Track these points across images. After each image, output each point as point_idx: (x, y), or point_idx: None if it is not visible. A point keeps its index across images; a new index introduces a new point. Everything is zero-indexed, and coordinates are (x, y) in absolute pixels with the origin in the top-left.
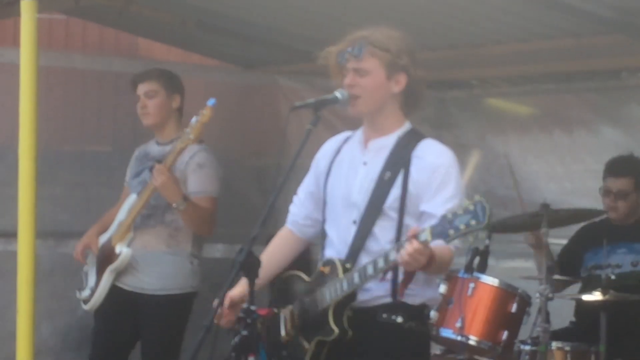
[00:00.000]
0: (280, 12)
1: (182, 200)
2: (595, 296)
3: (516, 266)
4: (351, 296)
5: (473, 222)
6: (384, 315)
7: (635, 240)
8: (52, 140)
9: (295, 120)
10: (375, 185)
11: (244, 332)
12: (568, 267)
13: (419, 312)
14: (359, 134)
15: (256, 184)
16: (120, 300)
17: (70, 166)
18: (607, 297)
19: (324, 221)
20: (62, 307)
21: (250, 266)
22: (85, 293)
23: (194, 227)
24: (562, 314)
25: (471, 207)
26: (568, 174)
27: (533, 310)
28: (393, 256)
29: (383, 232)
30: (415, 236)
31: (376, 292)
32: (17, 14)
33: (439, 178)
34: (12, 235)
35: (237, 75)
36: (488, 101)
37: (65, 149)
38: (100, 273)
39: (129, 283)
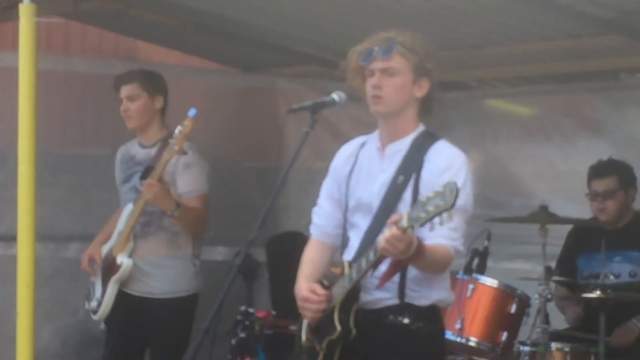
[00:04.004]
0: (278, 14)
1: (176, 207)
2: (594, 294)
3: (515, 267)
4: (354, 293)
5: (441, 203)
6: (391, 317)
7: (629, 248)
8: (51, 143)
9: (294, 123)
10: (388, 188)
11: (242, 335)
12: (566, 273)
13: (427, 313)
14: (375, 140)
15: (257, 186)
16: (129, 306)
17: (70, 170)
18: (605, 295)
19: (345, 227)
20: (63, 310)
21: (248, 269)
22: (93, 304)
23: (190, 228)
24: (561, 314)
25: (441, 190)
26: (566, 176)
27: (532, 311)
28: None
29: None
30: (396, 223)
31: (383, 294)
32: (16, 17)
33: (446, 180)
34: (12, 239)
35: (236, 78)
36: (487, 102)
37: (65, 153)
38: (105, 284)
39: (136, 289)
